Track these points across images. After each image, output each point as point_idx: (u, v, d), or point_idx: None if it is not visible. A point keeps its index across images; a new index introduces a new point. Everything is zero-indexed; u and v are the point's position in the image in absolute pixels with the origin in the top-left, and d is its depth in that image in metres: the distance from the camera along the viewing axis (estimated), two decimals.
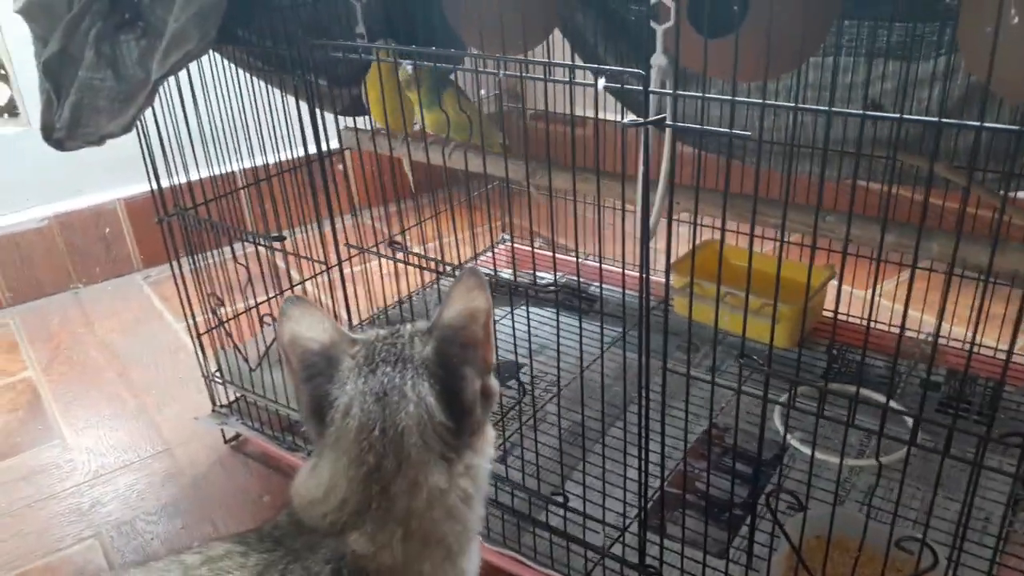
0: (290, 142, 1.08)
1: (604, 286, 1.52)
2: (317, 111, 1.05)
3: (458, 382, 0.64)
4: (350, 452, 0.62)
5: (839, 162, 1.22)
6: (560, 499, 0.94)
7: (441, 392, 0.63)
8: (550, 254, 1.64)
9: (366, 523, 0.61)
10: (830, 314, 1.33)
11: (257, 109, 1.11)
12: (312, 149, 1.03)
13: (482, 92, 1.76)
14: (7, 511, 1.21)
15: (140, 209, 1.92)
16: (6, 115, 1.82)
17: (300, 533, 0.62)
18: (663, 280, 1.00)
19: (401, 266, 1.08)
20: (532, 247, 1.75)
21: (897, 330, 1.14)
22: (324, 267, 1.06)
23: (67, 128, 0.95)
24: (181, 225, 1.16)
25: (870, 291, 0.87)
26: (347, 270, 1.13)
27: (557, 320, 0.94)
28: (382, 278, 1.33)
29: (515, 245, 1.74)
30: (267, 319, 1.13)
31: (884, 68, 1.14)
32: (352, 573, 0.60)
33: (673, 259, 1.07)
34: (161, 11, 0.90)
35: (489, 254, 1.74)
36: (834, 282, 1.32)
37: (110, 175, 1.89)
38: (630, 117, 0.72)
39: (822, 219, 0.92)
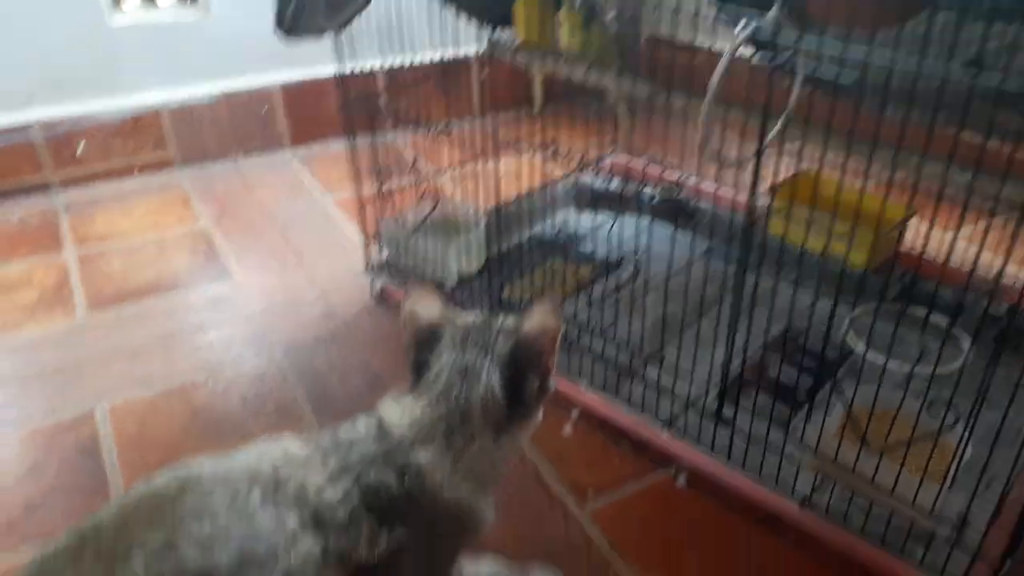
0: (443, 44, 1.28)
1: (705, 203, 1.70)
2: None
3: (522, 380, 0.85)
4: (431, 401, 0.84)
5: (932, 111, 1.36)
6: (659, 357, 1.16)
7: (507, 384, 0.84)
8: (655, 169, 1.82)
9: (429, 447, 0.83)
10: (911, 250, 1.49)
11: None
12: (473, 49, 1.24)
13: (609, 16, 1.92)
14: (201, 327, 1.50)
15: (295, 93, 2.16)
16: (188, 2, 2.07)
17: (378, 440, 0.83)
18: (758, 202, 1.18)
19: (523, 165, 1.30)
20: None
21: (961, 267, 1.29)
22: (475, 157, 1.27)
23: (291, 22, 1.18)
24: (362, 109, 1.39)
25: (951, 232, 1.04)
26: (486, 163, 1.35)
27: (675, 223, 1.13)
28: (520, 173, 1.54)
29: (622, 159, 1.92)
30: (425, 195, 1.37)
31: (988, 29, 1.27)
32: (412, 479, 0.81)
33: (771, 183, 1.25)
34: None
35: (599, 164, 1.92)
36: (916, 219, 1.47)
37: (271, 61, 2.13)
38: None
39: (908, 161, 1.08)
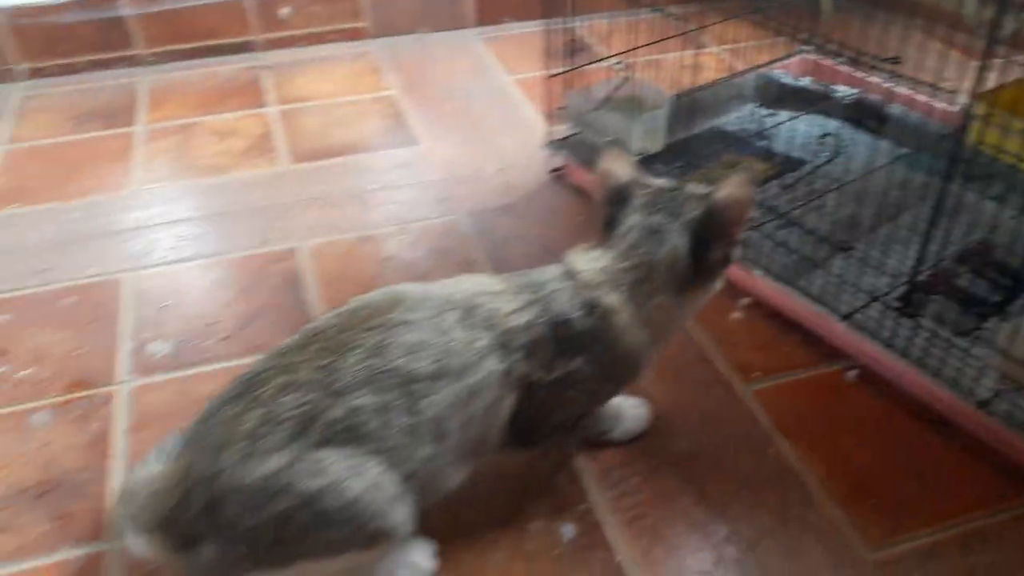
0: None
1: (900, 108, 1.61)
2: None
3: (706, 246, 0.88)
4: (619, 254, 0.89)
5: None
6: (845, 249, 1.15)
7: (692, 248, 0.87)
8: (846, 69, 1.73)
9: (616, 292, 0.88)
10: None
11: None
12: None
13: None
14: (389, 186, 1.60)
15: None
16: None
17: (567, 280, 0.89)
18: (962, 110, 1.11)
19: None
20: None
21: None
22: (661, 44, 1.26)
23: None
24: None
25: None
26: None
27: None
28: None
29: (814, 56, 1.83)
30: (616, 68, 1.38)
31: None
32: (597, 317, 0.87)
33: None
34: None
35: (786, 61, 1.85)
36: None
37: None
38: None
39: None
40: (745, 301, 1.27)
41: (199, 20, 2.05)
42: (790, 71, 1.80)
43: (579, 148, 1.54)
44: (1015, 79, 1.47)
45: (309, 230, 1.47)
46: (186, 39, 2.06)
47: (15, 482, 1.04)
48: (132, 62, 2.04)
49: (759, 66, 1.75)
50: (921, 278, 1.17)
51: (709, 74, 1.59)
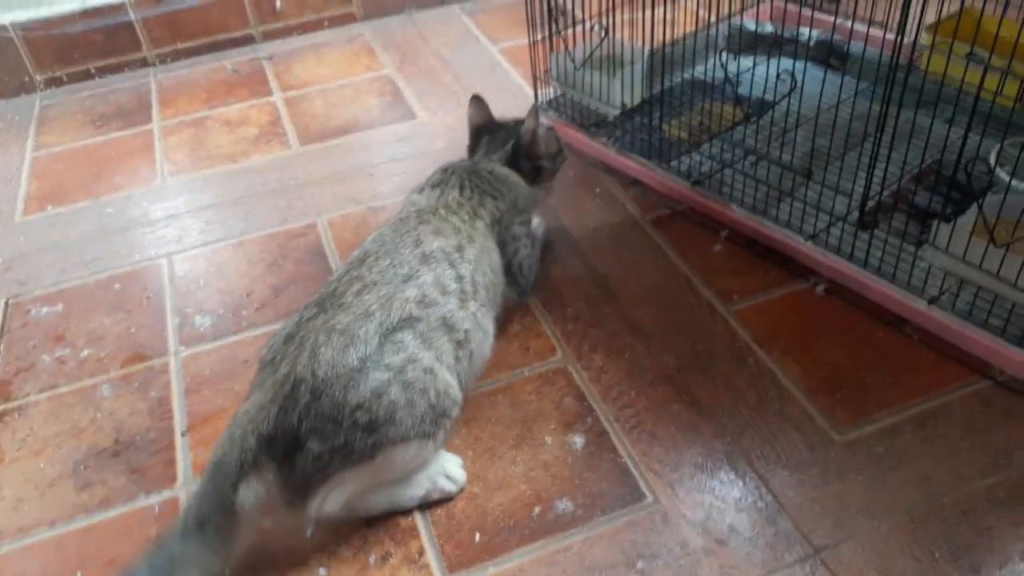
0: None
1: (859, 45, 1.73)
2: None
3: (518, 162, 1.31)
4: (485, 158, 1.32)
5: None
6: (807, 174, 1.28)
7: (509, 164, 1.31)
8: (808, 12, 1.84)
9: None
10: None
11: None
12: None
13: None
14: (394, 158, 1.73)
15: None
16: None
17: (474, 167, 1.27)
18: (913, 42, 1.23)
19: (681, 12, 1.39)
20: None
21: None
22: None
23: None
24: None
25: None
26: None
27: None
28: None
29: (780, 2, 1.95)
30: (595, 27, 1.50)
31: None
32: (495, 174, 1.27)
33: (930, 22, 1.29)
34: None
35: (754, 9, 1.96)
36: None
37: None
38: None
39: None
40: (724, 233, 1.40)
41: (199, 18, 2.17)
42: (758, 19, 1.91)
43: (565, 107, 1.67)
44: (965, 9, 1.59)
45: (324, 205, 1.60)
46: (189, 37, 2.18)
47: (92, 445, 1.19)
48: (141, 64, 2.17)
49: (729, 16, 1.86)
50: (878, 198, 1.30)
51: (683, 28, 1.70)
